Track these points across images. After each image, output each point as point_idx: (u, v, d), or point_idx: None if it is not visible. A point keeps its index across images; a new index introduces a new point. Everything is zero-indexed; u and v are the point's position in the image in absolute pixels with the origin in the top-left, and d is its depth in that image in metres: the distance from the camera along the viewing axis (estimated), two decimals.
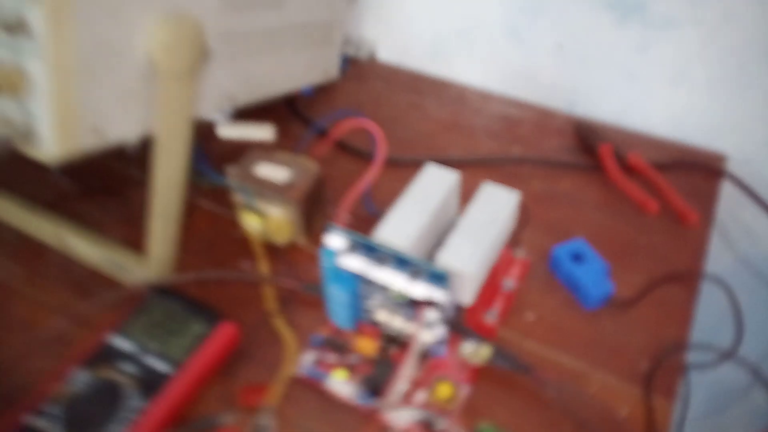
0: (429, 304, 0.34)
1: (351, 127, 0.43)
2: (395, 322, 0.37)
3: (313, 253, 0.45)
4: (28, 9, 0.29)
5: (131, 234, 0.44)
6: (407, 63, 0.67)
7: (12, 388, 0.37)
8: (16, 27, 0.29)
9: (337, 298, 0.37)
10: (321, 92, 0.61)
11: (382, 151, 0.42)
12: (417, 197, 0.41)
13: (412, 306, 0.35)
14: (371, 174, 0.42)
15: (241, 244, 0.45)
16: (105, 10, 0.32)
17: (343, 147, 0.54)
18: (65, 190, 0.50)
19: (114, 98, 0.34)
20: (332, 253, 0.36)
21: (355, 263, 0.35)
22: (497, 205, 0.41)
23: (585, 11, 0.54)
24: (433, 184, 0.42)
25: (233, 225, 0.46)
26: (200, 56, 0.37)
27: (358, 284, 0.37)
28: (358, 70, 0.66)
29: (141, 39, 0.34)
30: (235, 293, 0.42)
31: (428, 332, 0.36)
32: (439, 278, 0.33)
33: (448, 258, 0.37)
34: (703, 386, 0.70)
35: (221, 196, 0.48)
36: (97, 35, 0.32)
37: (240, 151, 0.47)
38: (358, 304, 0.38)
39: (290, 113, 0.59)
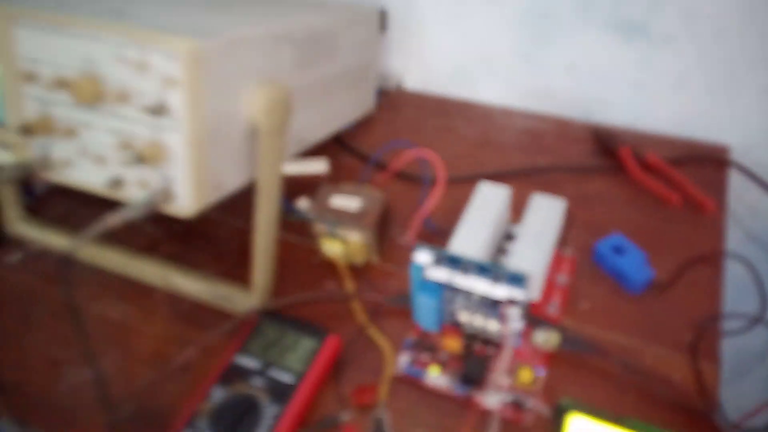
0: (511, 302, 0.41)
1: (411, 157, 0.50)
2: (476, 321, 0.44)
3: (386, 270, 0.52)
4: (170, 94, 0.36)
5: (221, 268, 0.51)
6: (432, 89, 0.74)
7: (156, 410, 0.43)
8: (158, 110, 0.36)
9: (425, 305, 0.44)
10: (361, 124, 0.68)
11: (441, 177, 0.48)
12: (478, 211, 0.48)
13: (492, 306, 0.42)
14: (434, 198, 0.48)
15: (321, 268, 0.52)
16: (223, 87, 0.39)
17: (395, 173, 0.61)
18: (155, 235, 0.57)
19: (228, 158, 0.41)
20: (420, 267, 0.42)
21: (441, 274, 0.42)
22: (548, 212, 0.47)
23: (593, 34, 0.62)
24: (490, 199, 0.49)
25: (311, 252, 0.53)
26: (289, 112, 0.44)
27: (443, 291, 0.43)
28: (388, 100, 0.73)
29: (245, 105, 0.41)
30: (327, 310, 0.48)
31: (511, 327, 0.42)
32: (517, 280, 0.40)
33: (516, 263, 0.43)
34: (727, 354, 0.77)
35: (294, 228, 0.54)
36: (218, 109, 0.38)
37: (300, 185, 0.53)
38: (442, 308, 0.44)
39: (338, 146, 0.65)
